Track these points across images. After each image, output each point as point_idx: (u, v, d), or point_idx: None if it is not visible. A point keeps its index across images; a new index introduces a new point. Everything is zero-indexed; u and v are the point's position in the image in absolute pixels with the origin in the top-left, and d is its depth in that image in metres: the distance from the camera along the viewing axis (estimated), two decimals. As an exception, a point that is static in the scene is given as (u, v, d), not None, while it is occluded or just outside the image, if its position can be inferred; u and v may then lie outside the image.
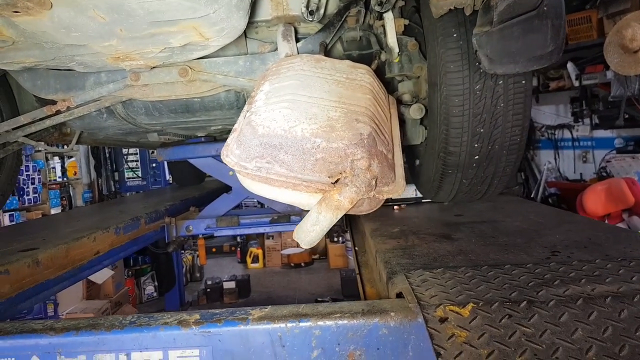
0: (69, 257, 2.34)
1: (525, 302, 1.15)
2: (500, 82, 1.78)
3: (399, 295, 1.32)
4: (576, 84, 7.18)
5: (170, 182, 7.05)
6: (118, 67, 1.90)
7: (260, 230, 3.79)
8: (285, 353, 1.18)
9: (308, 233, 1.33)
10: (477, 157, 1.89)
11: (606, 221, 5.44)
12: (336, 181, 1.31)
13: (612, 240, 1.73)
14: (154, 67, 1.99)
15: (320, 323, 1.19)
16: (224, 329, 1.20)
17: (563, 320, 1.08)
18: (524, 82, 1.81)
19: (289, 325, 1.19)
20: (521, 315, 1.10)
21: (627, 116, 6.44)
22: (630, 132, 7.21)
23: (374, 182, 1.30)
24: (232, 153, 1.35)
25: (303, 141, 1.29)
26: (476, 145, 1.85)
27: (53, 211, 6.49)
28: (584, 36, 6.37)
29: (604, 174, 7.47)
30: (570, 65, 7.05)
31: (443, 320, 1.10)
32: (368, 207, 1.42)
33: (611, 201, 5.58)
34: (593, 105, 7.47)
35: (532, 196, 7.75)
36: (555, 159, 8.28)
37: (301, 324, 1.19)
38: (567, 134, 8.15)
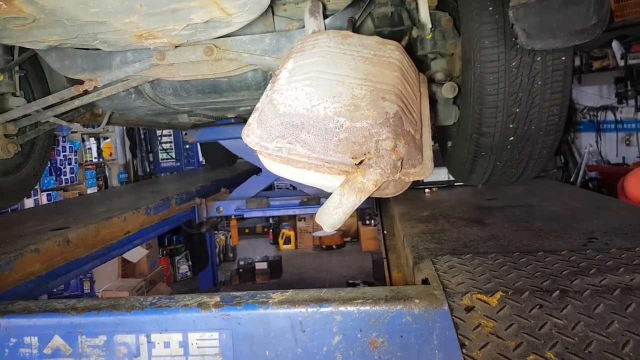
0: (99, 236, 2.38)
1: (558, 291, 1.08)
2: (538, 58, 1.67)
3: (425, 282, 1.27)
4: (621, 63, 6.82)
5: (203, 163, 7.13)
6: (143, 46, 1.89)
7: (290, 212, 3.79)
8: (305, 338, 1.16)
9: (330, 216, 1.28)
10: (512, 138, 1.79)
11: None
12: (360, 162, 1.26)
13: (656, 227, 1.63)
14: (178, 46, 1.97)
15: (342, 309, 1.15)
16: (243, 312, 1.18)
17: (598, 312, 1.01)
18: (563, 58, 1.69)
19: (310, 310, 1.16)
20: (553, 305, 1.04)
21: (675, 97, 6.10)
22: (677, 114, 6.85)
23: (399, 163, 1.24)
24: (253, 133, 1.31)
25: (326, 120, 1.24)
26: (511, 125, 1.76)
27: (89, 191, 6.67)
28: (632, 12, 6.00)
29: (649, 157, 7.15)
30: (615, 44, 6.69)
31: (469, 309, 1.05)
32: (394, 189, 1.36)
33: (655, 186, 5.32)
34: (639, 85, 7.11)
35: (571, 180, 7.49)
36: (597, 142, 7.95)
37: (322, 309, 1.16)
38: (610, 116, 7.81)
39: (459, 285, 1.15)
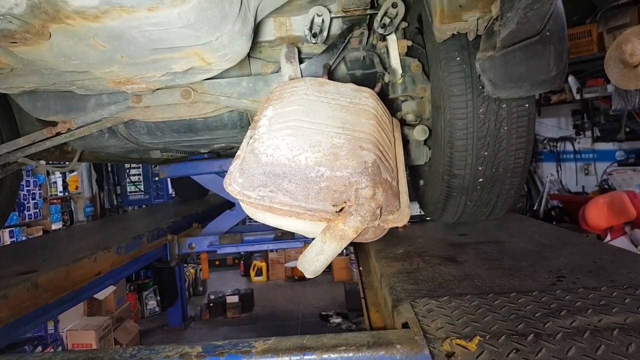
0: (69, 278, 2.33)
1: (532, 335, 1.13)
2: (504, 105, 1.77)
3: (405, 325, 1.30)
4: (577, 97, 7.17)
5: (173, 195, 7.04)
6: (119, 90, 1.90)
7: (264, 247, 3.79)
8: (289, 388, 1.16)
9: (312, 262, 1.31)
10: (481, 179, 1.88)
11: (608, 234, 5.40)
12: (340, 210, 1.30)
13: (616, 264, 1.71)
14: (156, 90, 1.99)
15: (325, 356, 1.17)
16: (226, 362, 1.18)
17: (571, 355, 1.06)
18: (527, 105, 1.80)
19: (293, 359, 1.17)
20: (528, 349, 1.08)
21: (628, 129, 6.43)
22: (631, 144, 7.20)
23: (378, 211, 1.28)
24: (235, 182, 1.34)
25: (307, 170, 1.28)
26: (480, 168, 1.84)
27: (54, 226, 6.47)
28: (585, 50, 6.39)
29: (606, 186, 7.45)
30: (571, 79, 7.06)
31: (450, 355, 1.08)
32: (373, 235, 1.40)
33: (613, 214, 5.54)
34: (594, 118, 7.47)
35: (534, 208, 7.73)
36: (557, 171, 8.26)
37: (305, 357, 1.17)
38: (569, 146, 8.14)
39: (438, 330, 1.19)
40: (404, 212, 1.37)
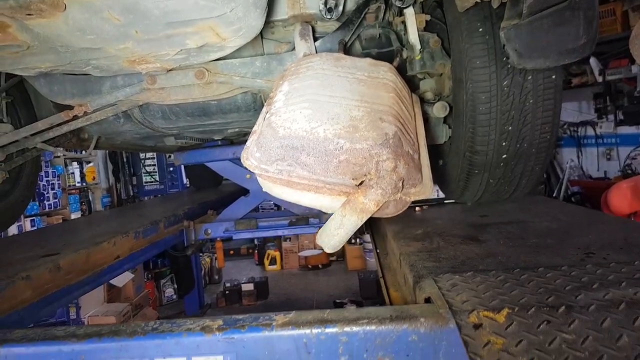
0: (89, 261, 2.33)
1: (563, 307, 1.08)
2: (529, 77, 1.71)
3: (428, 300, 1.26)
4: (599, 79, 7.01)
5: (188, 185, 7.07)
6: (134, 71, 1.88)
7: (279, 232, 3.76)
8: (311, 360, 1.14)
9: (332, 237, 1.28)
10: (505, 156, 1.82)
11: (632, 220, 5.29)
12: (361, 183, 1.26)
13: (649, 240, 1.65)
14: (170, 70, 1.97)
15: (347, 329, 1.14)
16: (247, 335, 1.16)
17: (606, 327, 1.02)
18: (554, 77, 1.73)
19: (315, 331, 1.14)
20: (560, 321, 1.04)
21: (654, 112, 6.27)
22: (657, 128, 7.02)
23: (400, 183, 1.25)
24: (252, 156, 1.31)
25: (325, 142, 1.25)
26: (504, 143, 1.78)
27: (73, 216, 6.55)
28: (608, 30, 6.21)
29: (629, 171, 7.29)
30: (593, 60, 6.88)
31: (477, 326, 1.05)
32: (394, 209, 1.37)
33: (638, 199, 5.42)
34: (617, 101, 7.29)
35: (554, 195, 7.60)
36: (578, 156, 8.11)
37: (327, 330, 1.14)
38: (590, 131, 7.98)
39: (464, 303, 1.15)
40: (426, 185, 1.33)
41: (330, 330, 1.13)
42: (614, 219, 2.10)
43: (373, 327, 1.12)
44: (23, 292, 1.87)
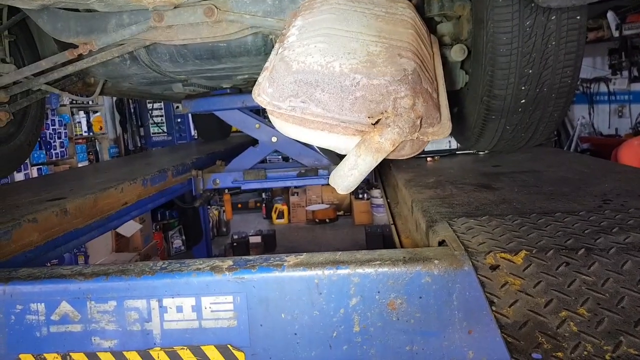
0: (97, 207, 2.33)
1: (583, 249, 1.06)
2: (553, 17, 1.62)
3: (441, 244, 1.24)
4: (616, 34, 6.79)
5: (196, 137, 7.02)
6: (140, 6, 1.81)
7: (288, 183, 3.74)
8: (322, 300, 1.13)
9: (345, 178, 1.24)
10: (523, 100, 1.75)
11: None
12: (377, 122, 1.21)
13: (668, 189, 1.61)
14: (177, 7, 1.89)
15: (359, 270, 1.12)
16: (258, 275, 1.15)
17: (627, 269, 0.99)
18: (578, 17, 1.64)
19: (326, 272, 1.13)
20: (580, 263, 1.02)
21: (672, 68, 6.10)
22: (673, 85, 6.85)
23: (418, 122, 1.19)
24: (264, 92, 1.26)
25: (341, 77, 1.19)
26: (523, 87, 1.71)
27: (80, 165, 6.56)
28: (628, -18, 5.96)
29: (641, 128, 7.18)
30: (610, 15, 6.64)
31: (494, 267, 1.03)
32: (410, 150, 1.32)
33: (648, 156, 5.36)
34: (633, 57, 7.09)
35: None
36: (589, 113, 7.96)
37: (339, 271, 1.13)
38: (603, 87, 7.80)
39: (480, 245, 1.13)
40: (444, 125, 1.28)
41: (342, 271, 1.12)
42: (630, 168, 2.06)
43: (385, 269, 1.11)
44: (29, 235, 1.87)
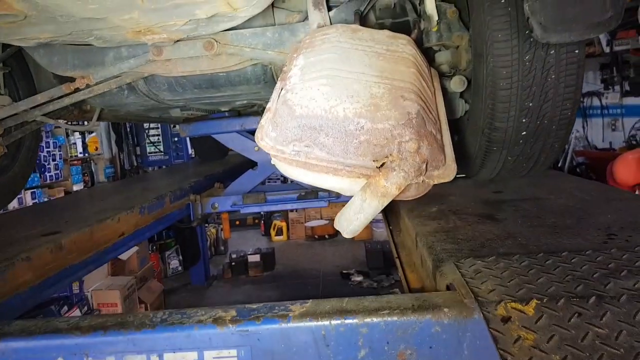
0: (93, 240, 2.29)
1: (594, 297, 1.04)
2: (552, 52, 1.63)
3: (449, 288, 1.22)
4: (607, 49, 6.87)
5: (193, 156, 6.99)
6: (139, 42, 1.80)
7: (288, 206, 3.74)
8: (329, 352, 1.10)
9: (351, 222, 1.23)
10: (524, 132, 1.75)
11: (637, 191, 5.27)
12: (382, 165, 1.21)
13: (670, 221, 1.60)
14: (177, 41, 1.88)
15: (368, 320, 1.10)
16: (263, 327, 1.12)
17: (639, 319, 0.98)
18: (577, 51, 1.65)
19: (334, 322, 1.10)
20: (592, 313, 1.00)
21: (662, 83, 6.17)
22: (663, 99, 6.92)
23: (424, 166, 1.19)
24: (268, 136, 1.25)
25: (345, 122, 1.18)
26: (524, 120, 1.71)
27: (75, 187, 6.51)
28: None
29: (634, 142, 7.23)
30: (601, 31, 6.72)
31: (506, 320, 1.01)
32: (415, 192, 1.32)
33: (643, 170, 5.40)
34: (624, 71, 7.18)
35: (559, 165, 7.54)
36: (583, 127, 8.01)
37: (347, 322, 1.10)
38: (595, 101, 7.87)
39: (490, 292, 1.11)
40: (449, 167, 1.28)
41: (350, 321, 1.09)
42: (632, 196, 2.06)
43: (395, 318, 1.09)
44: (23, 274, 1.82)
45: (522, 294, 1.08)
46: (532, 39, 1.59)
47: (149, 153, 7.49)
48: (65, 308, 4.59)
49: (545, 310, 1.02)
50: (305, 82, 1.29)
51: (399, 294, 1.22)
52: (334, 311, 1.13)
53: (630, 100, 7.46)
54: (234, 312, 1.18)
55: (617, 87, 7.49)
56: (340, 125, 1.18)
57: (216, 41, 1.90)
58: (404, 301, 1.14)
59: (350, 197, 1.28)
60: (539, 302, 1.04)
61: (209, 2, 1.35)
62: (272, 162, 1.32)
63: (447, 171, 1.25)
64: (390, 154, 1.19)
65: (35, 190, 5.72)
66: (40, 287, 1.93)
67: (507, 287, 1.13)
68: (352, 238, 7.01)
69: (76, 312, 4.66)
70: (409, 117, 1.18)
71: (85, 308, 4.86)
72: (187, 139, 6.68)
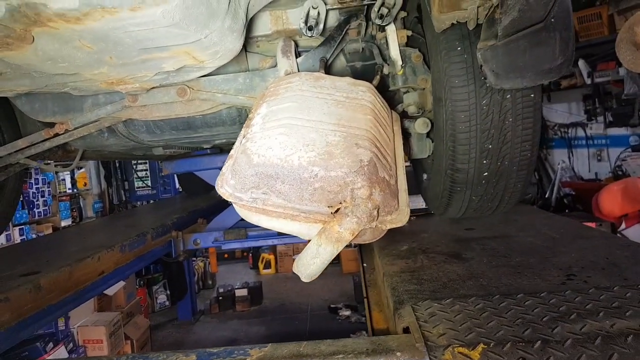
0: (72, 279, 2.31)
1: (539, 341, 1.08)
2: (508, 96, 1.70)
3: (406, 330, 1.25)
4: (588, 81, 7.02)
5: (180, 190, 7.03)
6: (114, 90, 1.86)
7: (269, 242, 3.75)
8: (285, 397, 1.13)
9: (308, 266, 1.26)
10: (486, 173, 1.81)
11: (623, 222, 5.32)
12: (336, 211, 1.25)
13: (630, 259, 1.65)
14: (151, 89, 1.95)
15: (322, 364, 1.12)
16: (221, 371, 1.14)
17: (581, 363, 1.01)
18: (532, 95, 1.72)
19: (289, 367, 1.13)
20: (535, 358, 1.03)
21: (641, 114, 6.29)
22: (645, 129, 7.05)
23: (375, 211, 1.23)
24: (227, 183, 1.29)
25: (300, 170, 1.23)
26: (485, 161, 1.77)
27: (63, 223, 6.50)
28: (595, 33, 6.23)
29: (620, 172, 7.31)
30: (581, 63, 6.90)
31: (451, 364, 1.03)
32: (371, 236, 1.35)
33: (628, 201, 5.46)
34: (606, 102, 7.31)
35: (546, 196, 7.60)
36: (569, 157, 8.11)
37: (302, 366, 1.13)
38: (580, 132, 7.98)
39: (440, 337, 1.14)
40: (403, 211, 1.32)
41: (306, 365, 1.12)
42: (598, 233, 2.10)
43: (348, 361, 1.11)
44: (1, 315, 1.85)
45: (470, 338, 1.12)
46: (488, 85, 1.66)
47: (137, 188, 7.52)
48: (51, 345, 4.53)
49: (491, 355, 1.05)
50: (265, 131, 1.35)
51: (356, 338, 1.25)
52: (290, 355, 1.16)
53: (614, 131, 7.58)
54: (194, 357, 1.21)
55: (601, 118, 7.62)
56: (295, 173, 1.23)
57: (189, 87, 1.96)
58: (359, 345, 1.17)
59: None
60: (486, 346, 1.07)
61: (174, 57, 1.41)
62: (235, 209, 1.36)
63: (400, 216, 1.29)
64: (344, 200, 1.23)
65: (23, 226, 5.71)
66: (17, 328, 1.94)
67: (457, 331, 1.16)
68: (341, 271, 6.99)
69: (61, 349, 4.60)
70: (361, 165, 1.23)
71: (71, 344, 4.80)
72: (174, 174, 6.75)
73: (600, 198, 5.60)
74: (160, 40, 1.28)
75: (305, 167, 1.23)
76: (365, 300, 1.88)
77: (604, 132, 7.66)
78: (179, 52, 1.38)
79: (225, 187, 1.30)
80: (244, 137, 1.40)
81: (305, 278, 1.30)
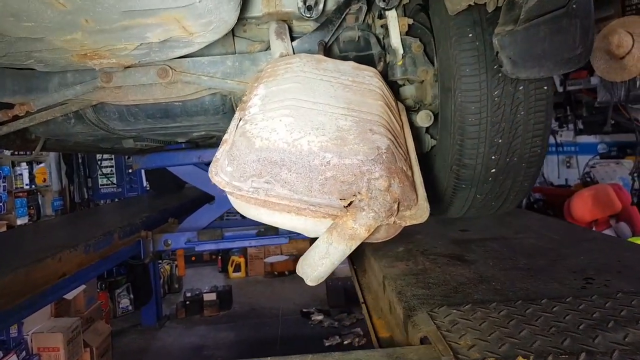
0: (29, 282, 2.07)
1: (584, 353, 0.95)
2: (521, 87, 1.59)
3: (423, 341, 1.11)
4: (560, 89, 7.13)
5: (148, 189, 6.72)
6: (86, 67, 1.65)
7: (246, 243, 3.57)
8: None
9: (315, 267, 1.10)
10: (494, 170, 1.70)
11: (594, 227, 5.39)
12: (349, 204, 1.10)
13: (643, 262, 1.56)
14: (128, 67, 1.75)
15: (335, 380, 0.97)
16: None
17: (634, 378, 0.88)
18: (545, 87, 1.63)
19: (298, 383, 0.96)
20: (584, 373, 0.90)
21: (612, 122, 6.41)
22: (613, 137, 7.21)
23: (395, 206, 1.08)
24: (223, 171, 1.12)
25: (310, 156, 1.07)
26: (493, 157, 1.66)
27: (19, 221, 6.09)
28: (570, 41, 6.32)
29: (588, 179, 7.46)
30: (554, 71, 7.01)
31: (490, 381, 0.89)
32: (385, 234, 1.21)
33: (598, 207, 5.55)
34: (577, 110, 7.45)
35: (517, 202, 7.67)
36: (539, 164, 8.23)
37: (312, 382, 0.97)
38: (550, 139, 8.11)
39: (470, 349, 0.99)
40: (422, 207, 1.18)
41: (316, 380, 0.96)
42: (600, 236, 2.02)
43: (365, 377, 0.96)
44: (-53, 324, 1.61)
45: (505, 350, 0.98)
46: (500, 74, 1.55)
47: (101, 185, 7.14)
48: (0, 353, 4.18)
49: (533, 368, 0.91)
50: (266, 112, 1.18)
51: (369, 350, 1.09)
52: (297, 370, 0.99)
53: (584, 139, 7.74)
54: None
55: (571, 126, 7.76)
56: (305, 160, 1.07)
57: (171, 68, 1.78)
58: (373, 358, 1.02)
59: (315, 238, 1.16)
60: (525, 359, 0.94)
61: (161, 25, 1.23)
62: (230, 200, 1.19)
63: (420, 211, 1.16)
64: (359, 192, 1.08)
65: (-26, 223, 5.33)
66: (-40, 338, 1.70)
67: (488, 342, 1.02)
68: (313, 275, 6.82)
69: (12, 359, 4.25)
70: (379, 152, 1.09)
71: (24, 353, 4.45)
72: (142, 171, 6.44)
73: (572, 203, 5.66)
74: (147, 0, 1.10)
75: (316, 153, 1.07)
76: (364, 305, 1.73)
77: (573, 140, 7.80)
78: (168, 18, 1.20)
79: (220, 174, 1.12)
80: (240, 120, 1.23)
81: (311, 281, 1.14)
